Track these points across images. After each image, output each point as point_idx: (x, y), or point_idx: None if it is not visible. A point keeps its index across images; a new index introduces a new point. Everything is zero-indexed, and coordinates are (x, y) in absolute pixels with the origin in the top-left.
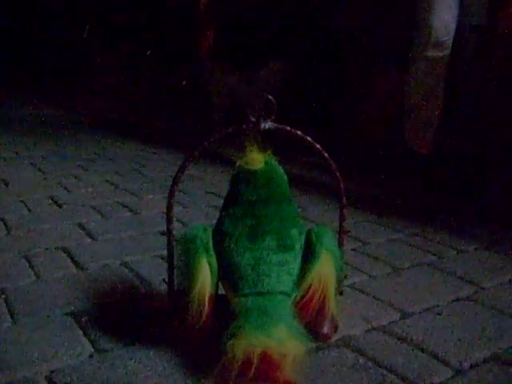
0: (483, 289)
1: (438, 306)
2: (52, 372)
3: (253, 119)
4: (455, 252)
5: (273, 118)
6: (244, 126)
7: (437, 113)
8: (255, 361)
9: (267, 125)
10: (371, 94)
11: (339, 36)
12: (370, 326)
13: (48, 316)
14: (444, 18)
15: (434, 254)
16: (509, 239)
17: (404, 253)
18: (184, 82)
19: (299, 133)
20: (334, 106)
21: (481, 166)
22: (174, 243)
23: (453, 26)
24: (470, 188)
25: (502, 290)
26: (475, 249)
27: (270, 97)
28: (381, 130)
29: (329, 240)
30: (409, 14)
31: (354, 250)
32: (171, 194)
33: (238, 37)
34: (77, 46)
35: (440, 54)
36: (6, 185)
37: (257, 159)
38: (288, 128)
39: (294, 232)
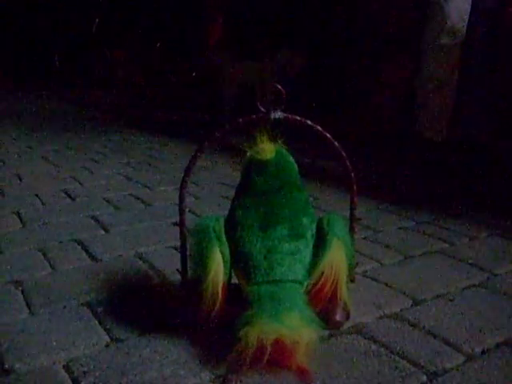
0: (495, 275)
1: (449, 292)
2: (69, 361)
3: (263, 109)
4: (467, 239)
5: (283, 107)
6: (254, 116)
7: (450, 100)
8: (268, 348)
9: (277, 114)
10: (382, 83)
11: (350, 25)
12: (381, 313)
13: (64, 307)
14: (458, 5)
15: (446, 242)
16: None
17: (415, 240)
18: (194, 74)
19: (309, 122)
20: (346, 94)
21: (494, 152)
22: (187, 233)
23: (467, 12)
24: (483, 175)
25: None
26: (487, 236)
27: (279, 86)
28: (392, 117)
29: (340, 228)
30: (420, 2)
31: (365, 238)
32: (183, 185)
33: (247, 25)
34: (86, 40)
35: (454, 41)
36: (20, 179)
37: (268, 149)
38: (298, 117)
39: (306, 220)
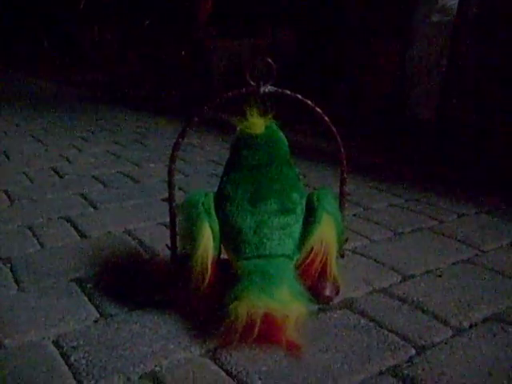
0: (483, 252)
1: (438, 268)
2: (59, 336)
3: (252, 83)
4: (456, 216)
5: (273, 81)
6: (244, 90)
7: (440, 79)
8: (258, 322)
9: (267, 88)
10: (373, 61)
11: (341, 6)
12: (371, 289)
13: (53, 283)
14: None
15: (435, 219)
16: (509, 203)
17: (405, 217)
18: (183, 52)
19: (299, 96)
20: (337, 73)
21: (483, 131)
22: (176, 208)
23: None
24: (472, 153)
25: (501, 253)
26: (476, 213)
27: (269, 60)
28: (383, 96)
29: (330, 203)
30: None
31: (355, 215)
32: (172, 159)
33: (238, 2)
34: (75, 18)
35: (445, 19)
36: (8, 157)
37: (257, 123)
38: (288, 92)
39: (295, 195)
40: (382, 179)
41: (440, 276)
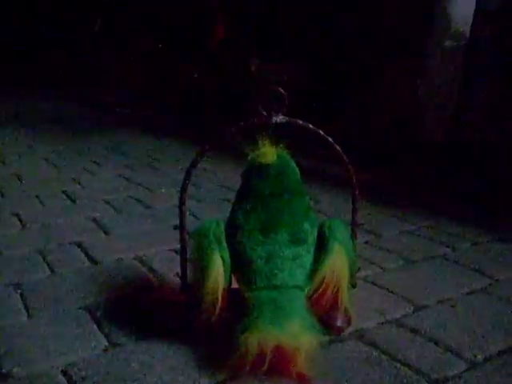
0: (497, 281)
1: (451, 298)
2: (68, 365)
3: (264, 113)
4: (469, 244)
5: (284, 111)
6: (255, 120)
7: (453, 102)
8: (268, 354)
9: (279, 118)
10: (384, 84)
11: (352, 26)
12: (383, 319)
13: (63, 310)
14: (463, 8)
15: (448, 246)
16: None
17: (417, 245)
18: (196, 75)
19: (311, 126)
20: (346, 96)
21: (496, 155)
22: (187, 237)
23: (470, 15)
24: (485, 178)
25: None
26: (489, 240)
27: (280, 90)
28: (394, 120)
29: (341, 233)
30: (424, 5)
31: (366, 242)
32: (184, 188)
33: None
34: (90, 40)
35: (458, 44)
36: (20, 180)
37: (269, 153)
38: (300, 121)
39: (307, 225)
40: (393, 205)
41: (453, 306)
